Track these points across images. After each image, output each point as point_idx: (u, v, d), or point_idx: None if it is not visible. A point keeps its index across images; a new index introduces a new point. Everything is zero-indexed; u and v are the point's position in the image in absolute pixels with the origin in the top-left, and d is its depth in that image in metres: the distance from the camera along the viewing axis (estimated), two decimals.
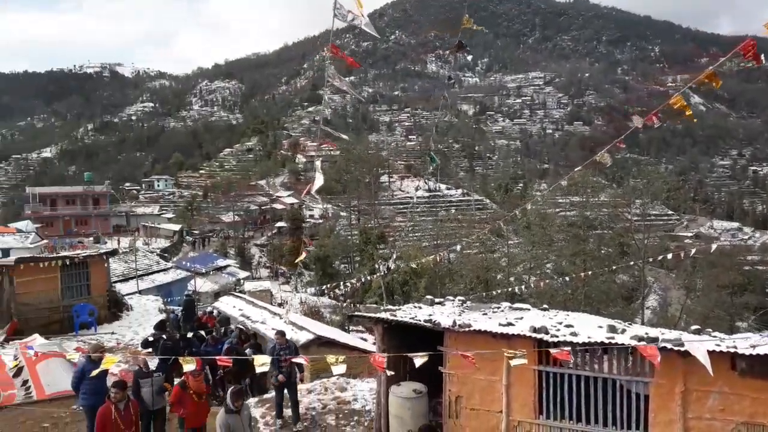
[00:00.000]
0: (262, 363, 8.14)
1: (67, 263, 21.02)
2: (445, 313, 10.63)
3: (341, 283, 18.64)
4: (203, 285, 42.40)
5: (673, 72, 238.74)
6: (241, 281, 48.89)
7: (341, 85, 6.30)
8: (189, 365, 8.27)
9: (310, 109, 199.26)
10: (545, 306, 11.05)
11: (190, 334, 14.99)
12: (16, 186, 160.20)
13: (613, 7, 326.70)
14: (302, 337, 14.61)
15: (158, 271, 41.72)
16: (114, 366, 10.10)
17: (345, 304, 28.61)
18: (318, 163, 8.49)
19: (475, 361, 7.90)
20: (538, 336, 8.28)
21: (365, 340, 21.54)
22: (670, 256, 20.93)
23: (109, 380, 9.57)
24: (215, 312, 21.02)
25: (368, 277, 21.28)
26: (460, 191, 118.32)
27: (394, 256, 16.61)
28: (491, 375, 8.97)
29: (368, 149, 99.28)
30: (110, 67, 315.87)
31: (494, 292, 20.10)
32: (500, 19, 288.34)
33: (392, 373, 8.85)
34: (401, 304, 15.29)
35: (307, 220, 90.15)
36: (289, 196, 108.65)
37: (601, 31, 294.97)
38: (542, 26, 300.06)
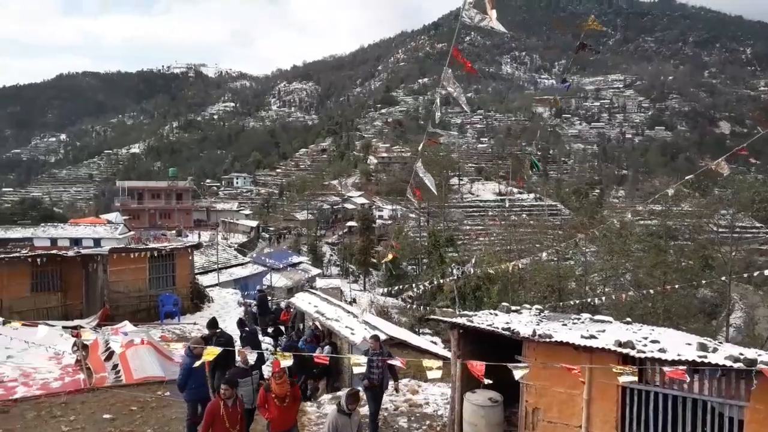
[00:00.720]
0: (357, 363, 8.17)
1: (155, 255, 22.26)
2: (522, 322, 10.43)
3: (413, 285, 18.61)
4: (278, 280, 43.63)
5: (766, 75, 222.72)
6: (314, 278, 49.94)
7: (453, 91, 6.17)
8: (286, 361, 8.52)
9: (383, 110, 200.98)
10: (628, 319, 10.62)
11: (270, 329, 15.39)
12: (107, 179, 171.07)
13: (701, 7, 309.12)
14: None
15: (236, 265, 43.23)
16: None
17: (414, 306, 28.58)
18: (419, 164, 8.11)
19: (568, 374, 7.66)
20: (624, 351, 7.97)
21: (435, 343, 21.50)
22: (764, 272, 19.54)
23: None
24: (291, 307, 21.59)
25: (440, 281, 21.23)
26: (532, 195, 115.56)
27: (473, 260, 16.39)
28: (572, 388, 8.72)
29: (439, 151, 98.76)
30: (195, 68, 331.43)
31: (571, 302, 19.52)
32: (579, 19, 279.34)
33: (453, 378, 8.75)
34: (473, 309, 15.13)
35: (377, 220, 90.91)
36: (359, 196, 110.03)
37: (688, 31, 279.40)
38: (624, 27, 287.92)
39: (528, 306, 12.44)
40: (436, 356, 14.48)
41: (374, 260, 63.89)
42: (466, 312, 12.49)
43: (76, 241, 47.97)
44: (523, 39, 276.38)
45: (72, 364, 14.71)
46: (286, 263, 51.47)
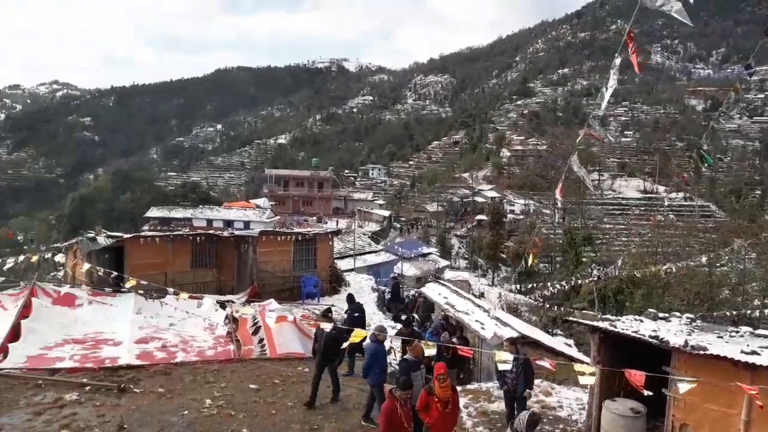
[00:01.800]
0: (503, 360, 8.07)
1: (299, 239, 23.74)
2: (671, 331, 9.68)
3: (547, 283, 17.94)
4: (408, 269, 44.36)
5: None
6: (443, 270, 50.09)
7: (612, 79, 5.84)
8: (430, 350, 8.67)
9: (518, 102, 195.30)
10: None
11: (402, 317, 15.68)
12: (256, 167, 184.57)
13: None
14: (506, 334, 14.45)
15: (369, 252, 44.68)
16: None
17: (547, 306, 27.58)
18: (575, 158, 7.67)
19: (724, 390, 6.96)
20: None
21: (570, 345, 20.62)
22: None
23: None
24: (420, 297, 21.88)
25: (578, 281, 20.27)
26: (681, 195, 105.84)
27: (618, 262, 15.44)
28: (727, 407, 7.94)
29: (578, 145, 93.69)
30: (337, 63, 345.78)
31: (726, 313, 17.69)
32: (743, 3, 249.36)
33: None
34: (613, 314, 14.26)
35: (508, 215, 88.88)
36: (490, 189, 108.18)
37: None
38: None
39: (678, 314, 11.49)
40: (571, 359, 13.90)
41: (503, 255, 62.58)
42: (607, 316, 11.84)
43: (228, 223, 52.52)
44: (677, 26, 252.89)
45: (224, 335, 16.12)
46: (416, 253, 52.12)
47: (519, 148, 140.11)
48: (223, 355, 14.43)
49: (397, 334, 12.66)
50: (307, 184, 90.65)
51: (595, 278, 15.62)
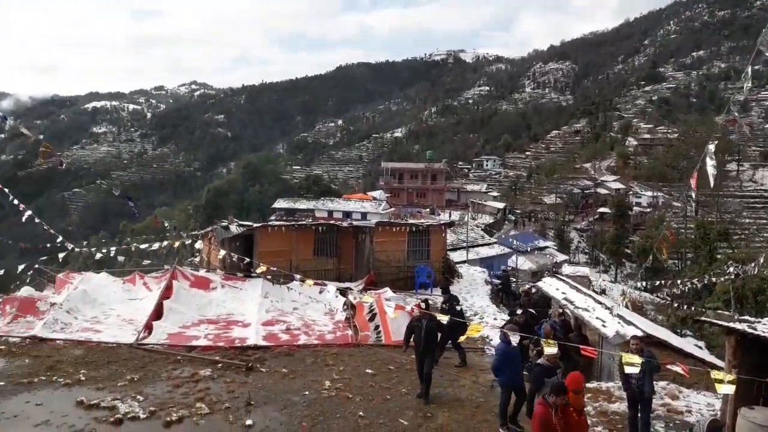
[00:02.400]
0: (630, 363, 7.73)
1: (413, 230, 24.12)
2: None
3: (678, 281, 16.76)
4: (523, 263, 43.40)
5: None
6: (560, 264, 48.42)
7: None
8: (551, 348, 8.52)
9: (647, 88, 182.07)
10: None
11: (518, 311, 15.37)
12: (373, 161, 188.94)
13: None
14: (629, 332, 13.73)
15: (482, 245, 44.26)
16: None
17: (676, 305, 25.76)
18: (712, 147, 7.09)
19: None
20: None
21: (700, 348, 19.15)
22: None
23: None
24: (533, 290, 21.33)
25: (712, 279, 18.68)
26: None
27: (760, 259, 14.03)
28: None
29: (714, 132, 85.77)
30: (454, 54, 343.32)
31: None
32: None
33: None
34: (753, 315, 13.02)
35: (634, 207, 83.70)
36: (614, 180, 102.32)
37: None
38: None
39: None
40: (702, 362, 12.94)
41: (628, 250, 59.08)
42: (746, 317, 10.88)
43: (347, 214, 54.55)
44: None
45: (342, 321, 16.85)
46: (532, 246, 50.83)
47: (647, 136, 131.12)
48: (341, 340, 15.08)
49: (508, 323, 12.45)
50: (421, 176, 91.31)
51: (732, 277, 14.28)
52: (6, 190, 17.02)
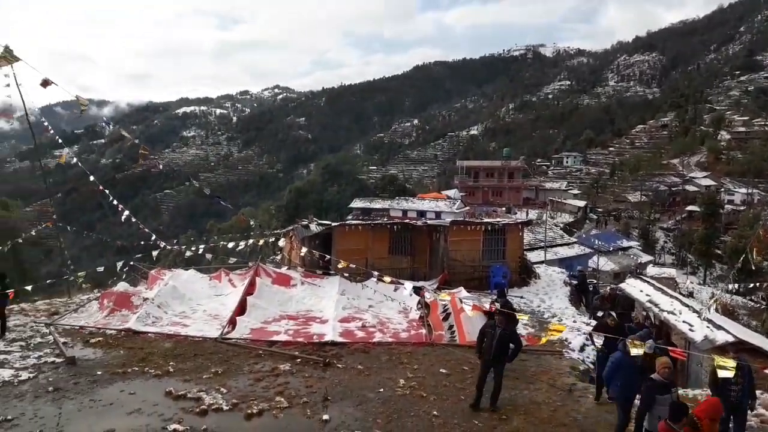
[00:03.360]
0: (724, 366, 7.35)
1: (489, 229, 23.86)
2: None
3: None
4: (604, 264, 41.83)
5: None
6: (645, 265, 46.26)
7: None
8: (638, 349, 8.26)
9: (742, 78, 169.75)
10: None
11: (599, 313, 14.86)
12: (448, 159, 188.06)
13: None
14: (719, 337, 12.99)
15: (562, 245, 43.10)
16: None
17: None
18: None
19: None
20: None
21: None
22: None
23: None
24: (618, 291, 20.46)
25: None
26: None
27: None
28: None
29: None
30: (533, 49, 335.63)
31: None
32: None
33: None
34: None
35: (726, 205, 78.52)
36: (704, 177, 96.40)
37: None
38: None
39: None
40: None
41: (718, 251, 55.53)
42: None
43: (421, 213, 54.69)
44: None
45: (416, 319, 16.93)
46: (615, 246, 48.89)
47: (742, 129, 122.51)
48: (415, 338, 15.14)
49: (596, 328, 11.95)
50: (497, 174, 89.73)
51: None
52: (107, 191, 18.41)
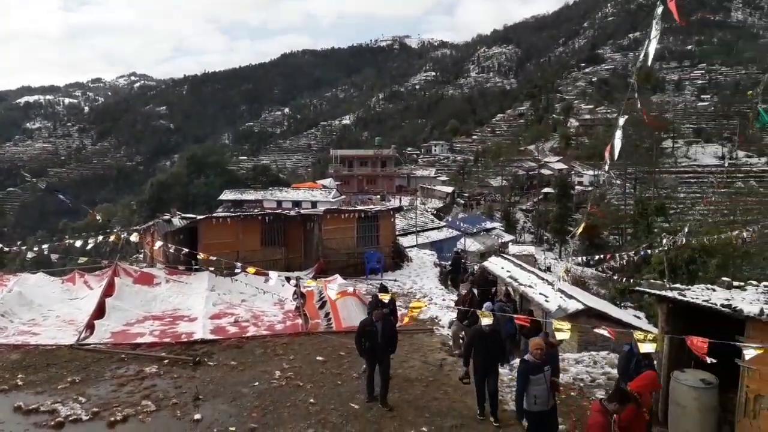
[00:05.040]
0: (563, 329, 7.66)
1: (362, 216, 24.15)
2: (746, 300, 9.23)
3: (616, 255, 17.44)
4: (471, 245, 44.16)
5: None
6: (507, 244, 49.56)
7: (655, 30, 5.56)
8: (486, 319, 8.58)
9: (587, 70, 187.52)
10: None
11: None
12: (322, 149, 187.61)
13: None
14: (571, 306, 14.22)
15: (432, 229, 44.76)
16: None
17: (615, 278, 26.83)
18: (621, 120, 7.24)
19: None
20: None
21: (639, 317, 20.02)
22: None
23: None
24: (476, 270, 21.75)
25: (648, 251, 19.57)
26: (764, 160, 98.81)
27: (685, 229, 14.82)
28: None
29: (650, 111, 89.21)
30: (400, 40, 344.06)
31: None
32: None
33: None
34: (685, 284, 13.71)
35: (576, 186, 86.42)
36: (557, 161, 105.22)
37: None
38: None
39: (754, 283, 10.91)
40: (632, 327, 13.51)
41: (571, 228, 61.13)
42: (677, 285, 11.42)
43: (296, 203, 53.96)
44: None
45: (292, 310, 16.73)
46: (480, 228, 51.74)
47: (588, 117, 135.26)
48: (291, 329, 14.96)
49: (457, 302, 12.58)
50: (370, 163, 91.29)
51: (666, 248, 15.05)
52: None
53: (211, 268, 18.32)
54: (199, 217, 22.23)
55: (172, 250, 17.41)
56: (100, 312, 15.03)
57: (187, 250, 17.14)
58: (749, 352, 7.06)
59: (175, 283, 18.15)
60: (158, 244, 18.56)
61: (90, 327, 14.16)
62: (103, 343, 13.39)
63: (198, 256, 15.76)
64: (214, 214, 26.18)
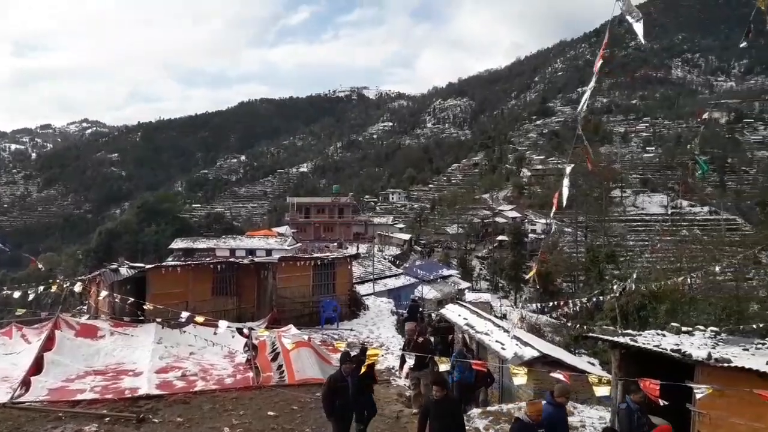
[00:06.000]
0: (519, 374, 7.67)
1: (318, 263, 23.84)
2: (695, 345, 9.43)
3: (570, 302, 17.66)
4: (428, 292, 44.13)
5: None
6: (463, 291, 49.78)
7: (593, 81, 5.85)
8: (444, 366, 8.41)
9: (538, 122, 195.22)
10: None
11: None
12: (278, 196, 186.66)
13: None
14: (527, 353, 14.21)
15: (390, 276, 44.58)
16: None
17: (569, 325, 27.19)
18: (568, 169, 7.44)
19: (750, 405, 6.72)
20: None
21: (593, 364, 20.16)
22: None
23: None
24: (435, 317, 21.65)
25: (600, 298, 19.93)
26: (706, 209, 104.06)
27: (634, 275, 15.22)
28: (754, 421, 7.64)
29: (599, 162, 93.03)
30: (358, 91, 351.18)
31: (753, 326, 17.14)
32: (766, 14, 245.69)
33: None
34: (636, 330, 13.99)
35: (529, 234, 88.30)
36: (511, 209, 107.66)
37: None
38: None
39: (702, 328, 11.19)
40: (584, 372, 13.57)
41: (525, 275, 62.10)
42: (629, 331, 11.58)
43: (251, 252, 52.94)
44: (698, 40, 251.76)
45: (243, 363, 16.13)
46: (437, 275, 51.91)
47: (539, 167, 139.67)
48: (242, 383, 14.42)
49: (406, 341, 12.37)
50: (327, 210, 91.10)
51: (617, 294, 15.37)
52: None
53: (158, 319, 17.60)
54: (147, 267, 21.48)
55: (118, 301, 16.67)
56: (37, 367, 14.17)
57: (132, 299, 16.45)
58: (700, 395, 7.16)
59: (120, 336, 17.30)
60: (103, 294, 17.74)
61: (25, 383, 13.30)
62: (39, 400, 12.58)
63: (145, 307, 15.09)
64: (164, 263, 25.38)
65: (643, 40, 4.73)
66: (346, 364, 9.40)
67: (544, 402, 7.87)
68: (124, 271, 20.06)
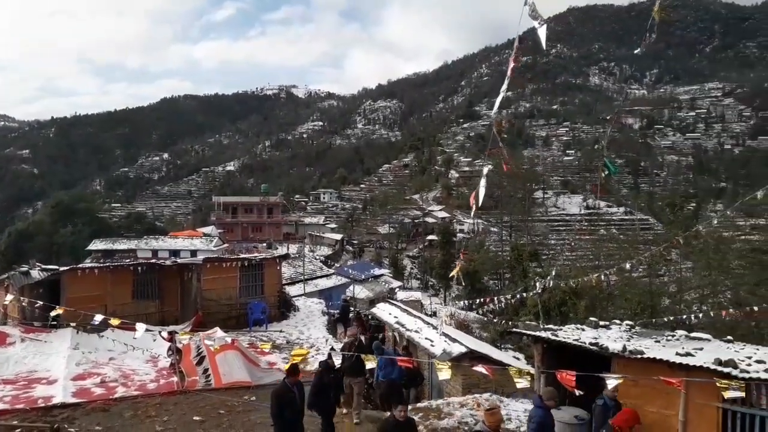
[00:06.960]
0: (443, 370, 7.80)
1: (246, 264, 23.26)
2: (611, 338, 9.95)
3: (495, 298, 18.18)
4: (360, 292, 44.22)
5: None
6: (395, 290, 50.23)
7: (506, 84, 6.04)
8: (369, 363, 8.44)
9: (465, 125, 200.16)
10: (729, 338, 9.79)
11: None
12: (204, 196, 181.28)
13: None
14: (455, 350, 14.49)
15: (321, 276, 44.36)
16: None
17: (495, 321, 27.99)
18: (485, 170, 7.64)
19: (661, 393, 7.21)
20: (726, 370, 7.35)
21: (518, 359, 20.86)
22: None
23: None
24: (369, 316, 21.74)
25: (523, 295, 20.66)
26: (622, 209, 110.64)
27: (553, 273, 15.91)
28: (665, 408, 8.16)
29: (522, 164, 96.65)
30: (286, 89, 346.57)
31: (664, 319, 18.30)
32: (673, 27, 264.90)
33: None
34: (558, 325, 14.60)
35: (458, 234, 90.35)
36: (440, 210, 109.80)
37: None
38: (723, 33, 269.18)
39: (618, 322, 11.82)
40: (507, 365, 14.05)
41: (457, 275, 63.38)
42: (550, 326, 12.05)
43: (174, 253, 50.95)
44: (612, 49, 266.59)
45: (167, 367, 15.54)
46: (369, 275, 52.11)
47: (466, 169, 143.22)
48: (165, 388, 13.89)
49: (343, 348, 12.28)
50: (256, 210, 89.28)
51: (539, 291, 16.04)
52: None
53: (73, 324, 16.63)
54: (62, 269, 20.25)
55: (25, 305, 15.61)
56: None
57: (41, 303, 15.44)
58: (611, 383, 7.60)
59: (32, 342, 16.25)
60: (8, 298, 16.56)
61: None
62: None
63: (57, 311, 14.18)
64: (80, 265, 24.00)
65: (544, 45, 4.96)
66: (292, 377, 9.05)
67: (533, 405, 7.95)
68: (36, 274, 18.82)
